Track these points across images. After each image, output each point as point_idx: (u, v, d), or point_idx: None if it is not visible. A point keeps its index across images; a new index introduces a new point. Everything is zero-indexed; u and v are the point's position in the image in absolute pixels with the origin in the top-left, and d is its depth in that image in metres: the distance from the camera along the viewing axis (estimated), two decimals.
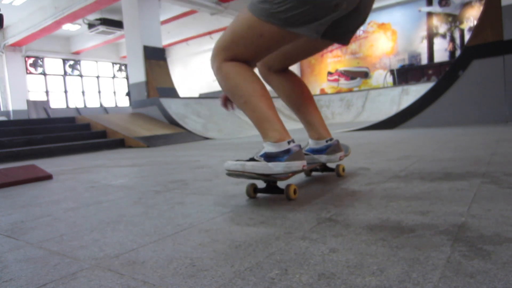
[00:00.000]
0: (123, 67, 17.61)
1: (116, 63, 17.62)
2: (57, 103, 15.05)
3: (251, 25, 1.27)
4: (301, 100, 1.60)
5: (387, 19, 12.38)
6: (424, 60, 11.80)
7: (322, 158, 1.57)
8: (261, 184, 1.41)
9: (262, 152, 1.27)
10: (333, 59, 13.92)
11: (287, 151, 1.23)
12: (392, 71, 11.54)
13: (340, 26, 1.28)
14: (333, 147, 1.56)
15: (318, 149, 1.57)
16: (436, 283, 0.61)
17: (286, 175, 1.27)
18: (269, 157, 1.24)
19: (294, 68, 14.55)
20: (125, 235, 1.04)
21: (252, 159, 1.28)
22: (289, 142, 1.24)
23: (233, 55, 1.32)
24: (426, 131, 3.88)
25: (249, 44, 1.30)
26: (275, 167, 1.22)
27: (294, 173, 1.29)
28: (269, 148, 1.25)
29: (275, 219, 1.07)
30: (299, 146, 1.27)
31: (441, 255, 0.72)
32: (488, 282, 0.59)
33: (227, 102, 1.54)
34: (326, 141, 1.56)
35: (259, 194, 1.40)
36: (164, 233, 1.03)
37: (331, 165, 1.73)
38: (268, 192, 1.36)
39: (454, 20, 11.22)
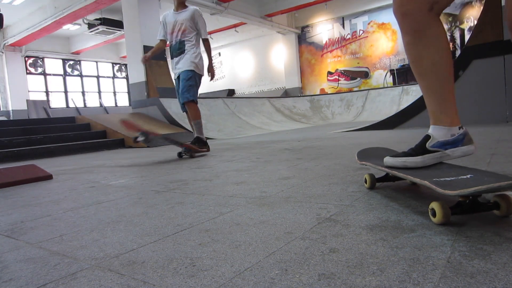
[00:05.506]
0: (123, 67, 17.60)
1: (116, 63, 17.62)
2: (57, 103, 15.05)
3: None
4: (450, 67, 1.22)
5: (387, 19, 12.37)
6: None
7: (457, 152, 1.18)
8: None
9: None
10: (333, 59, 13.91)
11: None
12: (392, 71, 11.55)
13: None
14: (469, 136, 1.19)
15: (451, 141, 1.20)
16: (436, 283, 0.61)
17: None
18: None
19: (293, 67, 14.54)
20: (125, 235, 1.04)
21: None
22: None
23: None
24: (426, 131, 3.88)
25: None
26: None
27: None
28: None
29: (275, 219, 1.07)
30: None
31: (441, 255, 0.72)
32: (488, 282, 0.59)
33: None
34: (459, 128, 1.19)
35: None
36: (164, 233, 1.03)
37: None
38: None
39: (454, 20, 11.21)
